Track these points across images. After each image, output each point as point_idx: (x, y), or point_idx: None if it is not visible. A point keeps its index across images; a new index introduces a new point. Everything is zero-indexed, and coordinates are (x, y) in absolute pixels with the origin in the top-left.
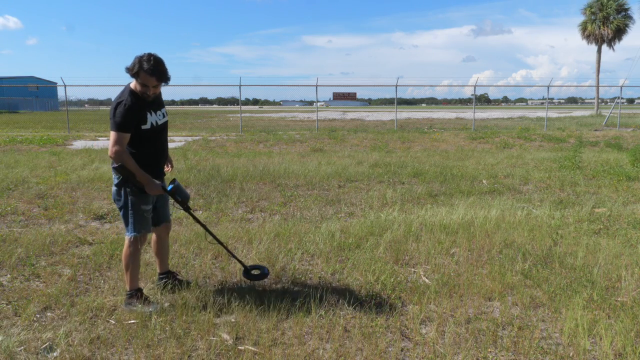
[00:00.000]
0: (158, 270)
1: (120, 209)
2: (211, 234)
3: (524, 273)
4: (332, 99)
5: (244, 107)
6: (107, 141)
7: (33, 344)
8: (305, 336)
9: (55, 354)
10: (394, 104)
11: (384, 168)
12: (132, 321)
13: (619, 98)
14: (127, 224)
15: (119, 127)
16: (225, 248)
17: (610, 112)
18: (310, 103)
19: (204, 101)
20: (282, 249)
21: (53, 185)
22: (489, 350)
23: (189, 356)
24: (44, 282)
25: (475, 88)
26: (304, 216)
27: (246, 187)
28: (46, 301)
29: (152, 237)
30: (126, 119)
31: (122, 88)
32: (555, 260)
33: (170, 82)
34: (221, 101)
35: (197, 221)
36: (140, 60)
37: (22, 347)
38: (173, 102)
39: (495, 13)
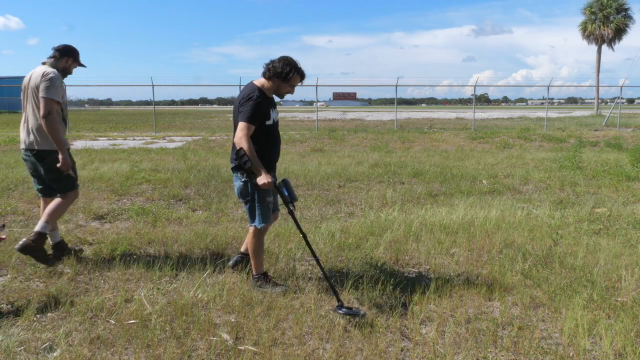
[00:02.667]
0: (242, 249)
1: (246, 202)
2: (309, 246)
3: (524, 273)
4: (332, 99)
5: None
6: (107, 141)
7: (33, 344)
8: (305, 336)
9: (55, 354)
10: (394, 104)
11: (384, 168)
12: (132, 321)
13: (619, 98)
14: (254, 216)
15: (248, 119)
16: (320, 266)
17: (610, 112)
18: (310, 103)
19: (204, 101)
20: (282, 249)
21: None
22: (489, 350)
23: (189, 356)
24: (44, 282)
25: (475, 88)
26: (304, 216)
27: None
28: (46, 301)
29: None
30: (255, 113)
31: (121, 88)
32: (555, 260)
33: (170, 82)
34: (221, 101)
35: (298, 227)
36: (291, 63)
37: (22, 347)
38: (173, 102)
39: (495, 13)
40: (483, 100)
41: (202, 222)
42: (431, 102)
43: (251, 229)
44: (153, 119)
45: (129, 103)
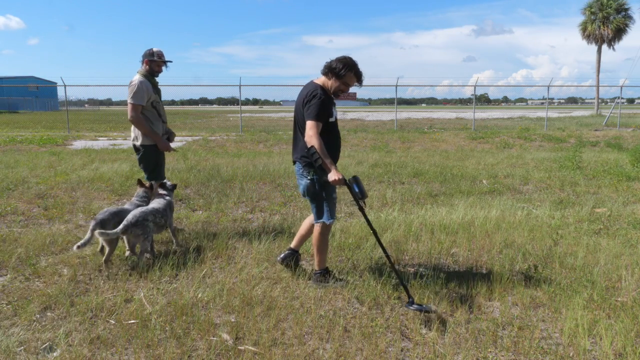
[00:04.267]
0: (292, 245)
1: (312, 200)
2: (380, 242)
3: (524, 273)
4: None
5: (244, 107)
6: (107, 141)
7: (33, 344)
8: (305, 336)
9: (55, 354)
10: (394, 103)
11: (384, 168)
12: (132, 321)
13: (619, 98)
14: (321, 213)
15: (315, 117)
16: (390, 262)
17: (611, 112)
18: None
19: (204, 101)
20: (282, 249)
21: (53, 185)
22: (489, 350)
23: (189, 356)
24: (44, 282)
25: (475, 88)
26: (304, 216)
27: (246, 187)
28: (46, 301)
29: (310, 217)
30: (321, 110)
31: (121, 88)
32: (555, 260)
33: (170, 82)
34: (221, 101)
35: (368, 223)
36: (347, 62)
37: (22, 347)
38: (173, 102)
39: (495, 13)
40: (483, 100)
41: (202, 222)
42: (431, 102)
43: (318, 226)
44: None
45: None
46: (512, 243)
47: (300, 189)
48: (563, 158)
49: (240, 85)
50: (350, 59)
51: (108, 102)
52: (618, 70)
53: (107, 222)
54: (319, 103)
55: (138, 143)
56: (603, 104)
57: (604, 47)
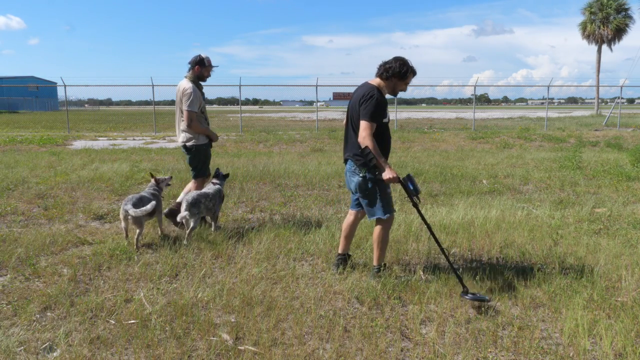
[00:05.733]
0: (340, 251)
1: (364, 197)
2: (434, 236)
3: (524, 273)
4: (332, 99)
5: (244, 107)
6: (107, 141)
7: (33, 344)
8: (305, 336)
9: (55, 354)
10: (394, 103)
11: None
12: (132, 321)
13: (619, 98)
14: (376, 209)
15: (371, 117)
16: (445, 255)
17: (611, 112)
18: (310, 103)
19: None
20: (282, 249)
21: (53, 185)
22: (489, 350)
23: (189, 356)
24: (44, 282)
25: (475, 88)
26: (304, 216)
27: (246, 187)
28: (46, 301)
29: (348, 217)
30: (376, 111)
31: (121, 88)
32: (555, 260)
33: (170, 82)
34: (221, 101)
35: (423, 219)
36: (406, 63)
37: (22, 347)
38: (173, 102)
39: (495, 13)
40: (483, 100)
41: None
42: (431, 102)
43: (376, 222)
44: (153, 119)
45: (129, 103)
46: (512, 243)
47: (351, 186)
48: (563, 158)
49: (240, 85)
50: (406, 59)
51: (108, 102)
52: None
53: (136, 205)
54: (375, 104)
55: (190, 144)
56: (603, 104)
57: (604, 47)
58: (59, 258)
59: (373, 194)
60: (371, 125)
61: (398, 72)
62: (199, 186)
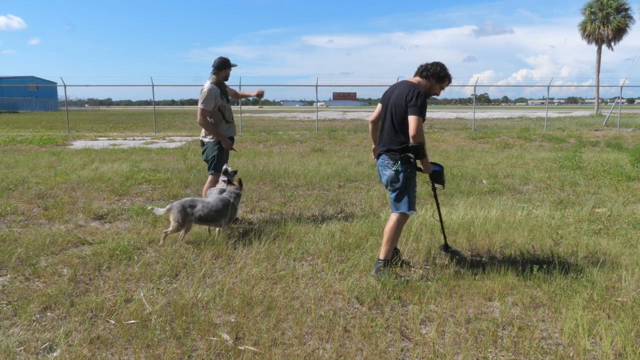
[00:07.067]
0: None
1: (395, 190)
2: (443, 232)
3: (524, 273)
4: (332, 99)
5: (244, 107)
6: (107, 141)
7: (33, 344)
8: (305, 336)
9: (55, 354)
10: None
11: None
12: (132, 321)
13: (619, 98)
14: (402, 204)
15: (421, 113)
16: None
17: (611, 112)
18: (310, 103)
19: None
20: (282, 249)
21: (53, 185)
22: (489, 350)
23: (189, 356)
24: (44, 282)
25: (475, 88)
26: (304, 216)
27: (246, 187)
28: (46, 301)
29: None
30: (425, 108)
31: (121, 88)
32: (555, 260)
33: (170, 82)
34: None
35: (439, 212)
36: (445, 68)
37: (22, 347)
38: (173, 102)
39: (495, 13)
40: (483, 100)
41: None
42: (431, 101)
43: (395, 216)
44: (153, 119)
45: (129, 103)
46: (512, 243)
47: (383, 180)
48: (563, 158)
49: (240, 85)
50: (445, 65)
51: (108, 102)
52: (618, 70)
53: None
54: (424, 100)
55: (207, 139)
56: (603, 104)
57: (604, 47)
58: (59, 258)
59: (403, 189)
60: (422, 121)
61: (437, 73)
62: (213, 181)
